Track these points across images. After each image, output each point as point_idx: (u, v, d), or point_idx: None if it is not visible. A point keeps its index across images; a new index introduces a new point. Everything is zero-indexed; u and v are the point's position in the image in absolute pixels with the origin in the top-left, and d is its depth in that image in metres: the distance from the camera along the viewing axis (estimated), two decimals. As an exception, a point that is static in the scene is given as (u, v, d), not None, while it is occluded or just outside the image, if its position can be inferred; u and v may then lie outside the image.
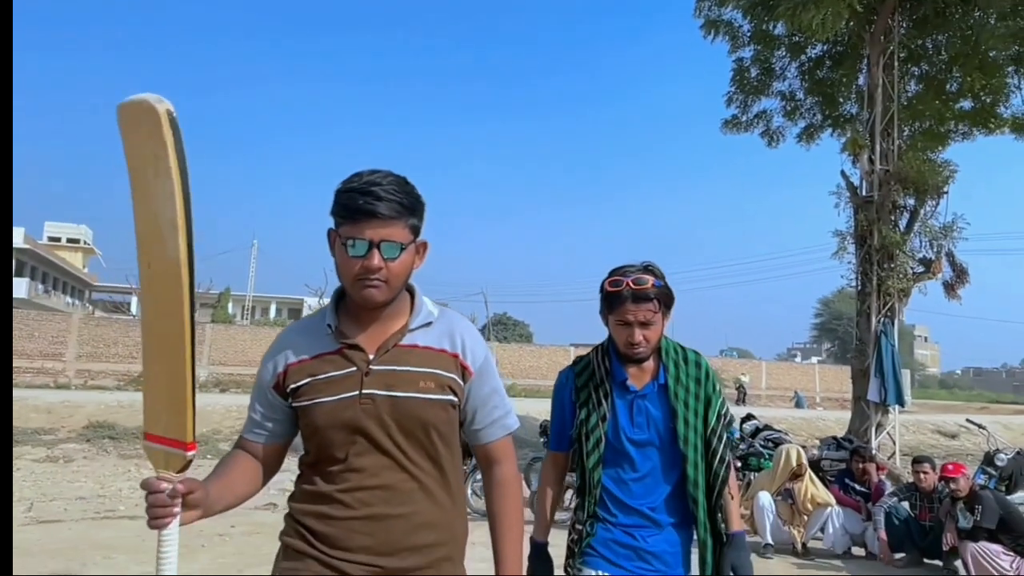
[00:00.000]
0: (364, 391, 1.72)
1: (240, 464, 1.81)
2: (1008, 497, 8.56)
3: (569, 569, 2.39)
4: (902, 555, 6.91)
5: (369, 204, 1.65)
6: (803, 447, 8.61)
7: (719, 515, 2.33)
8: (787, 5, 11.30)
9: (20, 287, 44.27)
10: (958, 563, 6.35)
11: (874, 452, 8.97)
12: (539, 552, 2.37)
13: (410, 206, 1.72)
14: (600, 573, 2.28)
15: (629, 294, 2.25)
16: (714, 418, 2.33)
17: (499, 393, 1.92)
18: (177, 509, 1.55)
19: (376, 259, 1.67)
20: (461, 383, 1.81)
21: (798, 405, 29.23)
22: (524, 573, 1.97)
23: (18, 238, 45.28)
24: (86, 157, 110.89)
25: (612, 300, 2.29)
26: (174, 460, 1.58)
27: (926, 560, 6.79)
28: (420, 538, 1.74)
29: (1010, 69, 12.63)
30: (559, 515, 2.78)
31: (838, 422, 20.23)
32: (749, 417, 9.73)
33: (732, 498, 2.38)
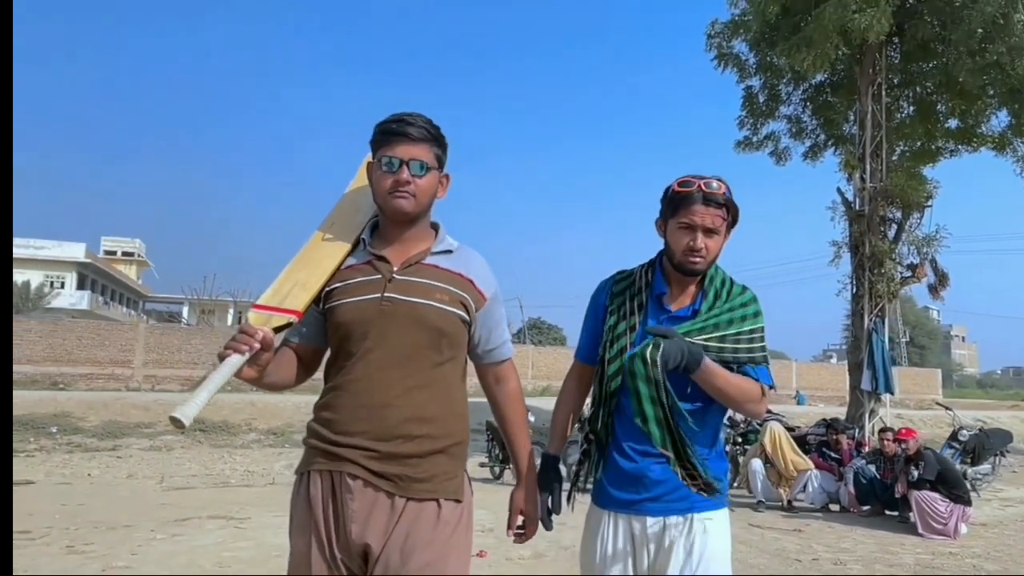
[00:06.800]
0: (386, 294, 1.93)
1: (286, 355, 2.04)
2: (973, 468, 10.23)
3: (578, 490, 2.31)
4: (867, 507, 8.58)
5: (400, 128, 1.96)
6: (793, 428, 10.32)
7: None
8: (783, 46, 13.04)
9: (83, 299, 47.05)
10: (911, 513, 7.98)
11: (849, 427, 10.63)
12: (550, 465, 2.28)
13: (435, 136, 2.02)
14: (606, 513, 2.19)
15: (700, 196, 2.11)
16: (731, 341, 2.11)
17: (505, 321, 2.16)
18: (247, 348, 1.78)
19: (405, 173, 1.94)
20: (473, 305, 2.02)
21: (799, 403, 30.90)
22: (535, 470, 2.22)
23: (80, 253, 48.19)
24: (136, 174, 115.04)
25: (679, 202, 2.14)
26: (275, 320, 1.91)
27: (887, 512, 8.44)
28: (414, 428, 1.91)
29: (991, 92, 14.11)
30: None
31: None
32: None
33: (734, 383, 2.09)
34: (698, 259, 2.13)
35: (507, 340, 2.16)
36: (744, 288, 2.23)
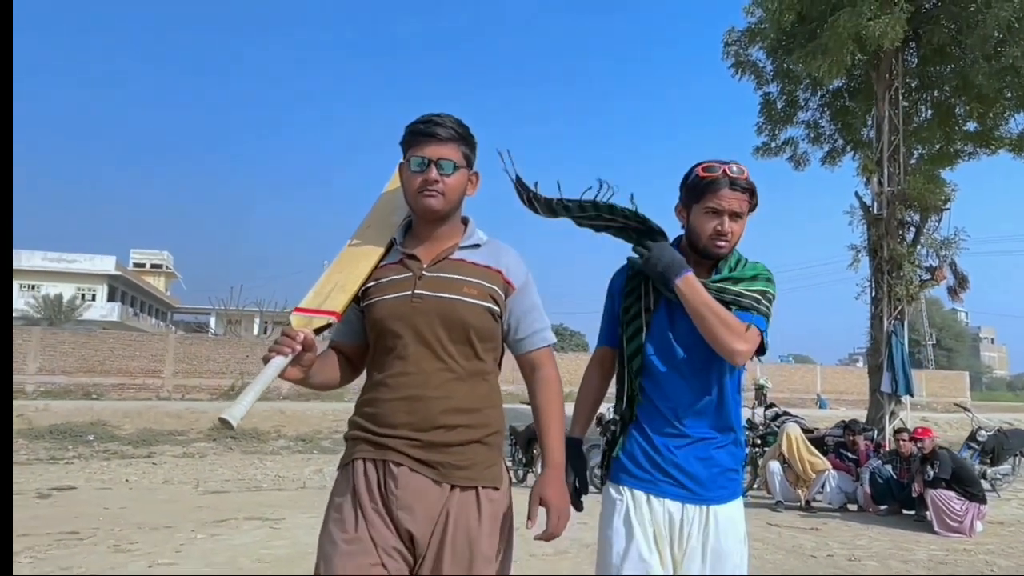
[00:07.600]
0: (416, 291, 1.99)
1: (331, 355, 2.13)
2: (993, 468, 10.33)
3: (606, 472, 2.34)
4: (884, 507, 8.73)
5: (428, 128, 2.01)
6: (812, 429, 10.47)
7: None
8: (799, 53, 13.21)
9: (114, 311, 47.97)
10: (927, 512, 8.11)
11: (868, 428, 10.75)
12: (574, 449, 2.24)
13: (463, 135, 2.06)
14: (623, 488, 2.22)
15: (726, 181, 2.13)
16: (735, 289, 2.17)
17: (539, 309, 2.14)
18: (289, 350, 1.88)
19: (433, 172, 1.99)
20: (503, 295, 2.05)
21: (821, 407, 30.78)
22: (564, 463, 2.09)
23: (110, 265, 49.17)
24: (164, 188, 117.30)
25: (704, 187, 2.15)
26: (316, 321, 1.99)
27: (903, 511, 8.58)
28: (452, 419, 1.96)
29: (1008, 95, 14.16)
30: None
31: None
32: (771, 405, 11.60)
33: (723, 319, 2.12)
34: (723, 243, 2.16)
35: (541, 328, 2.13)
36: (758, 263, 2.26)
